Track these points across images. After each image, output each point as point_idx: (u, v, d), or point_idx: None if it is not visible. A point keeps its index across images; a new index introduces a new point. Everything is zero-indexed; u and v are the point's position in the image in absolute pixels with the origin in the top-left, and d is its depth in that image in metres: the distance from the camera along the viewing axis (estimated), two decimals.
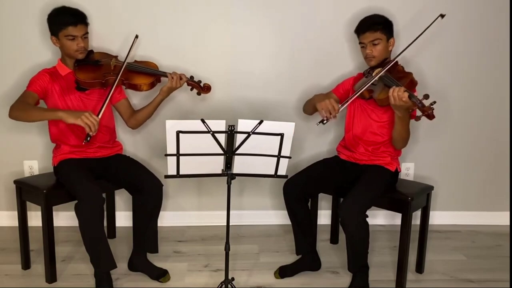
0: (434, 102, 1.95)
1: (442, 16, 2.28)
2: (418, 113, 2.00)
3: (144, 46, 2.71)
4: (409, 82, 2.15)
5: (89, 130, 2.04)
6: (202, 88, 2.47)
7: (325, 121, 2.16)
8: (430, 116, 1.94)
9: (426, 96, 1.93)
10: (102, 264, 2.16)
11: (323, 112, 2.17)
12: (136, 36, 2.44)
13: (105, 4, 2.68)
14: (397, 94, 1.99)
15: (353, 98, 2.23)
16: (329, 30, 2.82)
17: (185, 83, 2.42)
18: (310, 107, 2.47)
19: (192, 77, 2.46)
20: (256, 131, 1.84)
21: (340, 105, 2.19)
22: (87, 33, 2.31)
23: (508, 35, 2.88)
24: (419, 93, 2.16)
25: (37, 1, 2.62)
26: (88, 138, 2.09)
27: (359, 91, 2.22)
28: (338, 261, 2.56)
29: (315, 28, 2.82)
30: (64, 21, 2.24)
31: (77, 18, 2.26)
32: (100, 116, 2.13)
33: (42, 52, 2.69)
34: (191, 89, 2.49)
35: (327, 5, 2.79)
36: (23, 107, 2.16)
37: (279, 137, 1.86)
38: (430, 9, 2.80)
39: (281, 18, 2.80)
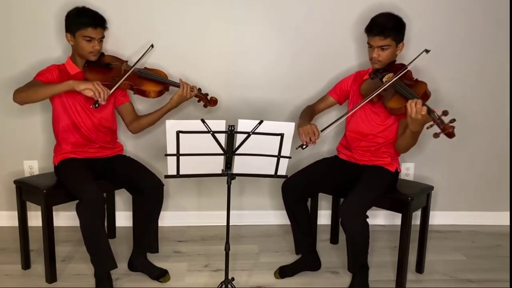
0: (454, 120, 1.82)
1: (426, 51, 2.18)
2: (437, 129, 1.87)
3: (143, 45, 2.71)
4: (424, 94, 2.07)
5: (98, 96, 2.07)
6: (209, 101, 2.52)
7: (304, 146, 2.18)
8: (451, 135, 1.82)
9: (445, 113, 1.83)
10: (103, 264, 2.16)
11: (303, 137, 2.19)
12: (152, 46, 2.43)
13: (108, 4, 2.68)
14: (416, 107, 1.91)
15: (353, 111, 2.25)
16: (329, 29, 2.81)
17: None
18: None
19: (200, 90, 2.49)
20: (256, 131, 1.84)
21: (324, 129, 2.19)
22: (103, 37, 2.32)
23: (508, 36, 2.88)
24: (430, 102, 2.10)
25: None
26: (97, 104, 2.12)
27: (368, 98, 2.19)
28: (338, 261, 2.56)
29: (315, 28, 2.82)
30: (85, 22, 2.24)
31: (99, 21, 2.28)
32: (111, 91, 2.17)
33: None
34: (198, 101, 2.52)
35: (327, 5, 2.79)
36: (30, 88, 2.15)
37: (279, 137, 1.86)
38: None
39: (281, 18, 2.80)
